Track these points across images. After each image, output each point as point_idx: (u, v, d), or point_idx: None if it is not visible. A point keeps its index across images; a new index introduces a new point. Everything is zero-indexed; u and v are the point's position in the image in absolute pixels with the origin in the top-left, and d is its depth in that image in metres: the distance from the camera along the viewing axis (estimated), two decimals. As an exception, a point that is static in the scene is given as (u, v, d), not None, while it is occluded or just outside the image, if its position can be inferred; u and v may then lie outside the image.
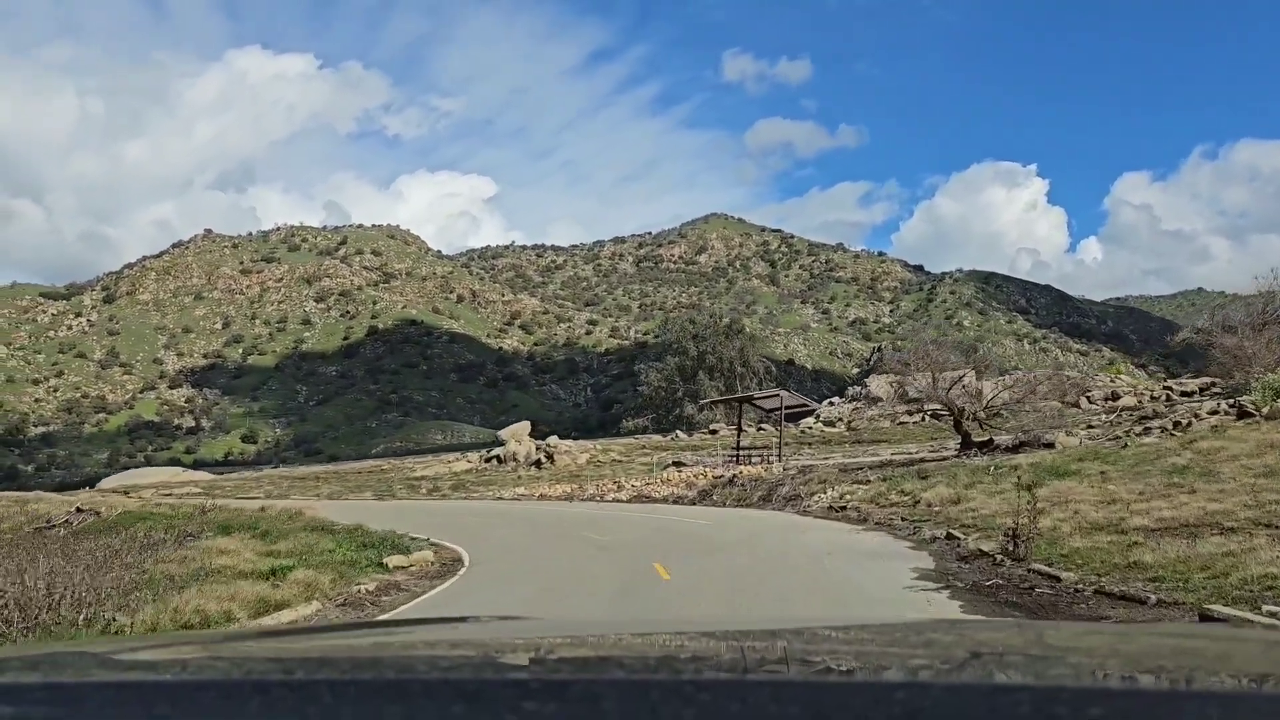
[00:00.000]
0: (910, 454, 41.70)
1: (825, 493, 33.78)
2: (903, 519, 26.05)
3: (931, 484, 30.36)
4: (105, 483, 55.70)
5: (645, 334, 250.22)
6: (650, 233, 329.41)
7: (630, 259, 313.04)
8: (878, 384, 63.71)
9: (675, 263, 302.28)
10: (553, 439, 53.82)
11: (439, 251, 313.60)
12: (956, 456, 36.20)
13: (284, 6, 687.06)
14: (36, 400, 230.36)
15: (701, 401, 58.15)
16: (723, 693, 1.19)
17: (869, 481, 33.92)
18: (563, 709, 1.10)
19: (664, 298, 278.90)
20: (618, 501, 39.65)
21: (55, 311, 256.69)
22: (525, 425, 55.05)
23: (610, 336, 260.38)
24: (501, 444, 54.33)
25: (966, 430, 36.81)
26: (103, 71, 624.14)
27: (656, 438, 61.83)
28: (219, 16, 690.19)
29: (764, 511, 32.62)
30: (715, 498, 38.25)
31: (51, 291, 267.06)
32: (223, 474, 63.00)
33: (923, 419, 53.65)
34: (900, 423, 54.16)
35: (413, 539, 22.43)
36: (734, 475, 40.53)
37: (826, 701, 1.14)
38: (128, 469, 62.61)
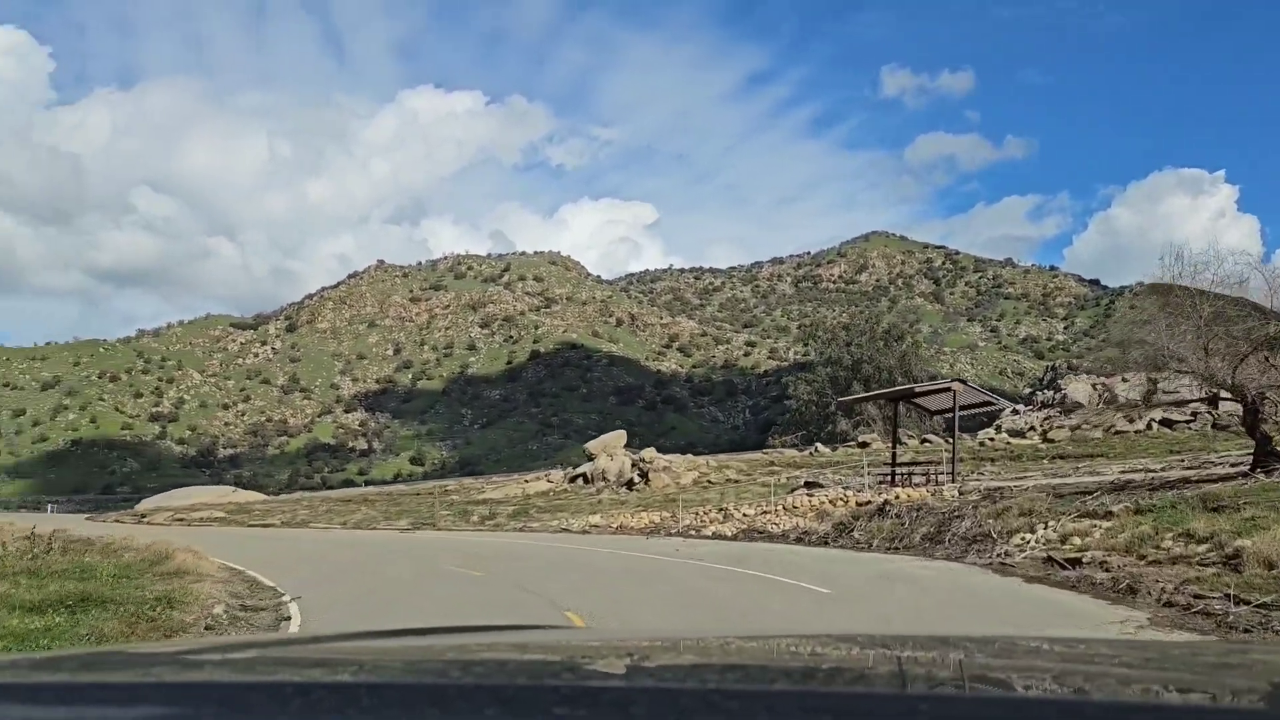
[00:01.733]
0: (1155, 471, 26.48)
1: (1033, 532, 19.63)
2: (1228, 595, 11.60)
3: (1244, 520, 15.66)
4: (149, 502, 46.25)
5: (804, 355, 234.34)
6: (809, 253, 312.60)
7: (789, 279, 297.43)
8: (1076, 388, 47.93)
9: (835, 282, 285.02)
10: (648, 452, 40.22)
11: (598, 276, 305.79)
12: (1249, 474, 21.24)
13: (454, 47, 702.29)
14: (226, 424, 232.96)
15: (843, 399, 43.37)
16: (751, 701, 1.15)
17: (1110, 514, 19.33)
18: (594, 715, 1.08)
19: (823, 318, 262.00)
20: (718, 538, 26.31)
21: (243, 340, 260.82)
22: (619, 436, 42.07)
23: (769, 358, 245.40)
24: (591, 458, 41.44)
25: (1265, 433, 21.53)
26: (289, 115, 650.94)
27: (790, 453, 47.97)
28: (394, 59, 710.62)
29: (932, 562, 18.57)
30: (857, 534, 24.43)
31: (240, 322, 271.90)
32: (276, 496, 52.74)
33: (1149, 426, 37.88)
34: (1117, 432, 38.61)
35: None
36: (886, 501, 26.35)
37: (853, 712, 1.12)
38: (183, 488, 53.70)
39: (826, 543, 24.52)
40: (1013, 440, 42.07)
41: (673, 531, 28.63)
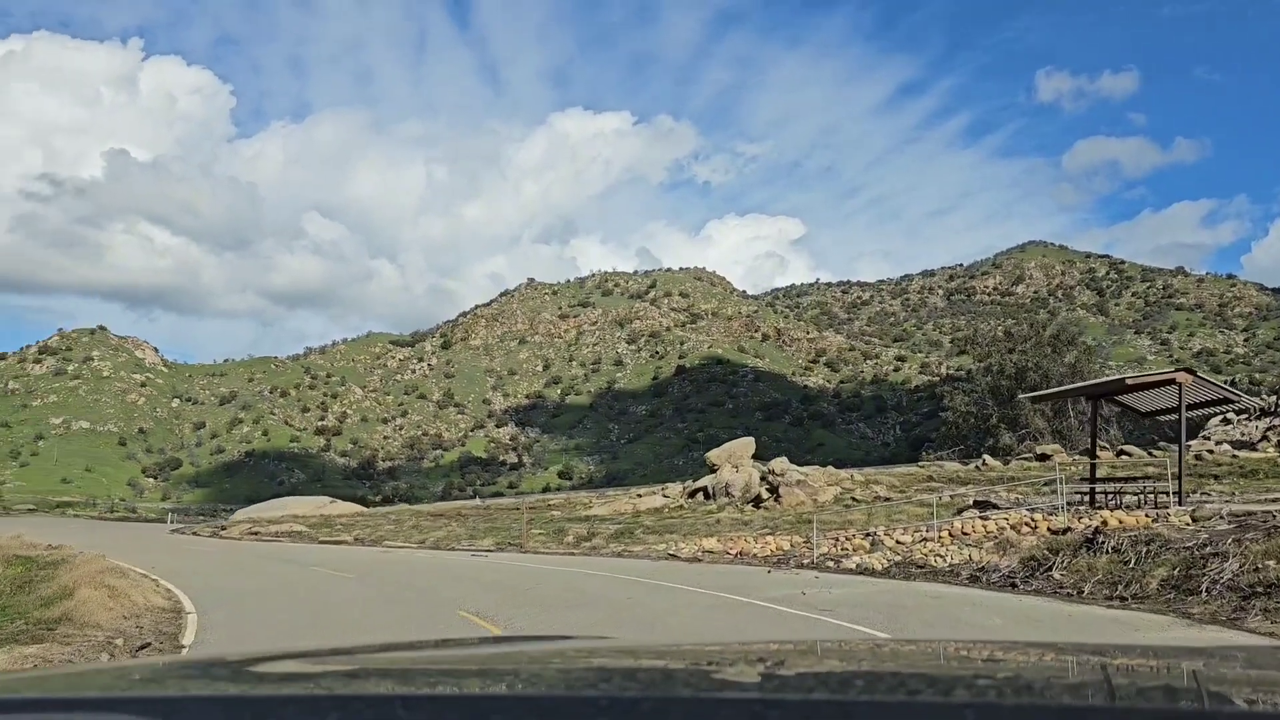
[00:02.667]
0: None
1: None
2: None
3: None
4: (243, 512, 42.20)
5: (958, 367, 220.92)
6: (962, 264, 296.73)
7: (940, 292, 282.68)
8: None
9: (989, 294, 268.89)
10: (779, 462, 32.74)
11: (744, 292, 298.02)
12: None
13: (603, 69, 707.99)
14: (385, 437, 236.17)
15: (1025, 395, 35.12)
16: (791, 711, 1.13)
17: None
18: None
19: (977, 331, 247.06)
20: (863, 573, 19.48)
21: (402, 357, 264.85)
22: (746, 444, 35.03)
23: (920, 373, 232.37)
24: (713, 470, 34.57)
25: None
26: (446, 142, 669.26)
27: (952, 466, 39.96)
28: (545, 85, 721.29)
29: (1201, 631, 10.77)
30: (1058, 574, 17.18)
31: (399, 339, 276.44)
32: (371, 508, 48.13)
33: None
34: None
35: None
36: (1095, 529, 18.64)
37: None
38: (280, 498, 49.83)
39: (1014, 584, 17.27)
40: (1239, 453, 33.10)
41: (805, 561, 21.65)
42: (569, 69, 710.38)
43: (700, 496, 33.43)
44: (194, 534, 34.41)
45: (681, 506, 32.64)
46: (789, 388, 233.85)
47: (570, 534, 27.87)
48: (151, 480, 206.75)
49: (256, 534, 29.36)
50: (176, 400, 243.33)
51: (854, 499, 29.54)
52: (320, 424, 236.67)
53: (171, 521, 55.98)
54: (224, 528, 34.79)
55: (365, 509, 38.89)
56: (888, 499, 29.09)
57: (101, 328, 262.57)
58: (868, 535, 23.06)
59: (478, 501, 40.84)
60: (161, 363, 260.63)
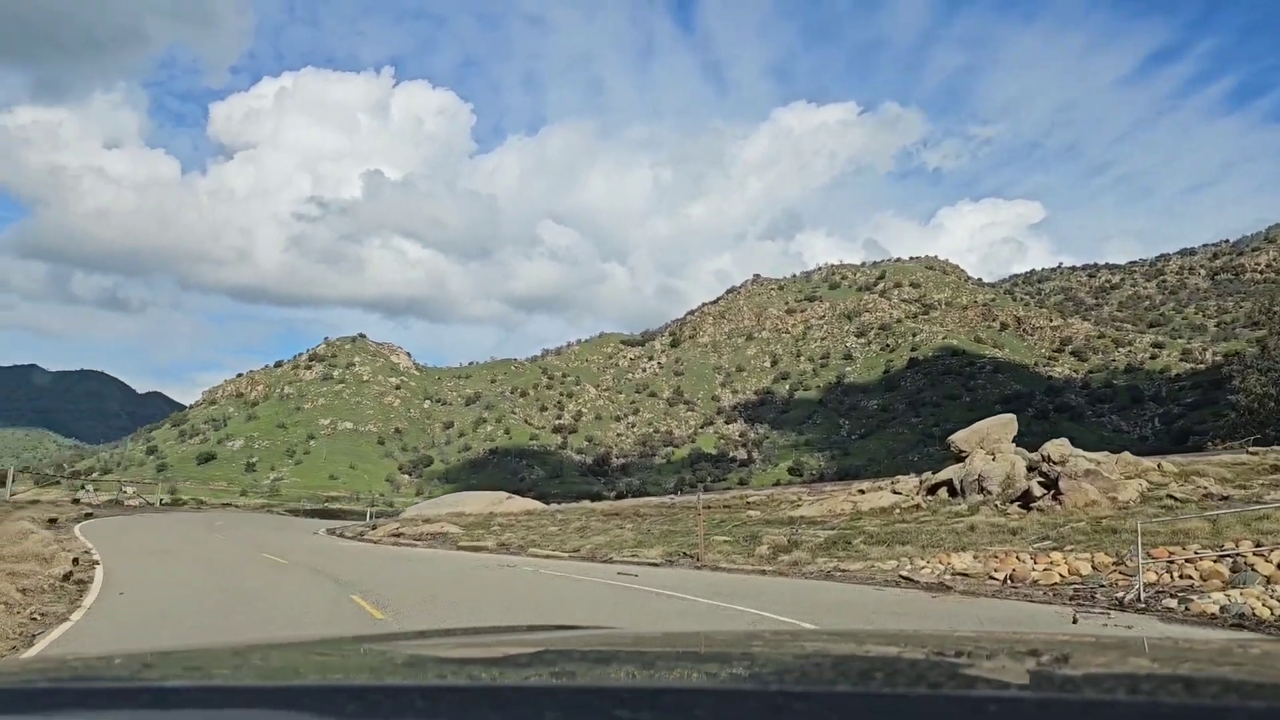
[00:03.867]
0: None
1: None
2: None
3: None
4: (414, 509, 37.72)
5: (1228, 354, 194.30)
6: (1228, 240, 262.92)
7: (1203, 272, 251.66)
8: None
9: (1262, 272, 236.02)
10: (1057, 445, 22.72)
11: (979, 280, 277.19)
12: None
13: (827, 61, 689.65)
14: (618, 435, 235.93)
15: None
16: (815, 702, 1.11)
17: None
18: (656, 717, 1.05)
19: (1247, 313, 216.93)
20: (1241, 626, 10.01)
21: (632, 356, 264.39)
22: (1004, 422, 25.95)
23: (1181, 359, 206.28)
24: (960, 458, 25.67)
25: None
26: (671, 144, 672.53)
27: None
28: (768, 80, 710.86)
29: None
30: None
31: (629, 339, 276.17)
32: (552, 505, 42.01)
33: None
34: None
35: None
36: None
37: (919, 713, 1.07)
38: (458, 493, 44.60)
39: None
40: None
41: (1122, 596, 12.93)
42: (792, 63, 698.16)
43: (943, 493, 24.91)
44: (340, 535, 29.85)
45: (917, 506, 24.25)
46: (1031, 378, 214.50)
47: (765, 542, 20.19)
48: (406, 477, 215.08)
49: (399, 536, 24.09)
50: (428, 401, 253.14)
51: (1172, 498, 20.31)
52: (557, 422, 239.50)
53: (370, 519, 52.70)
54: (374, 527, 29.86)
55: (539, 506, 33.53)
56: (1224, 497, 19.67)
57: (362, 335, 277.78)
58: (1224, 556, 13.96)
59: (667, 499, 33.88)
60: (414, 367, 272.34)
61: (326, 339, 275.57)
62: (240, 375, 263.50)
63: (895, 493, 26.81)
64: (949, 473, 24.93)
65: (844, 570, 17.42)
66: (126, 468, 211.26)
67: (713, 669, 1.57)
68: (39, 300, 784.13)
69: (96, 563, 18.91)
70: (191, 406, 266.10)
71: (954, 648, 1.82)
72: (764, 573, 17.99)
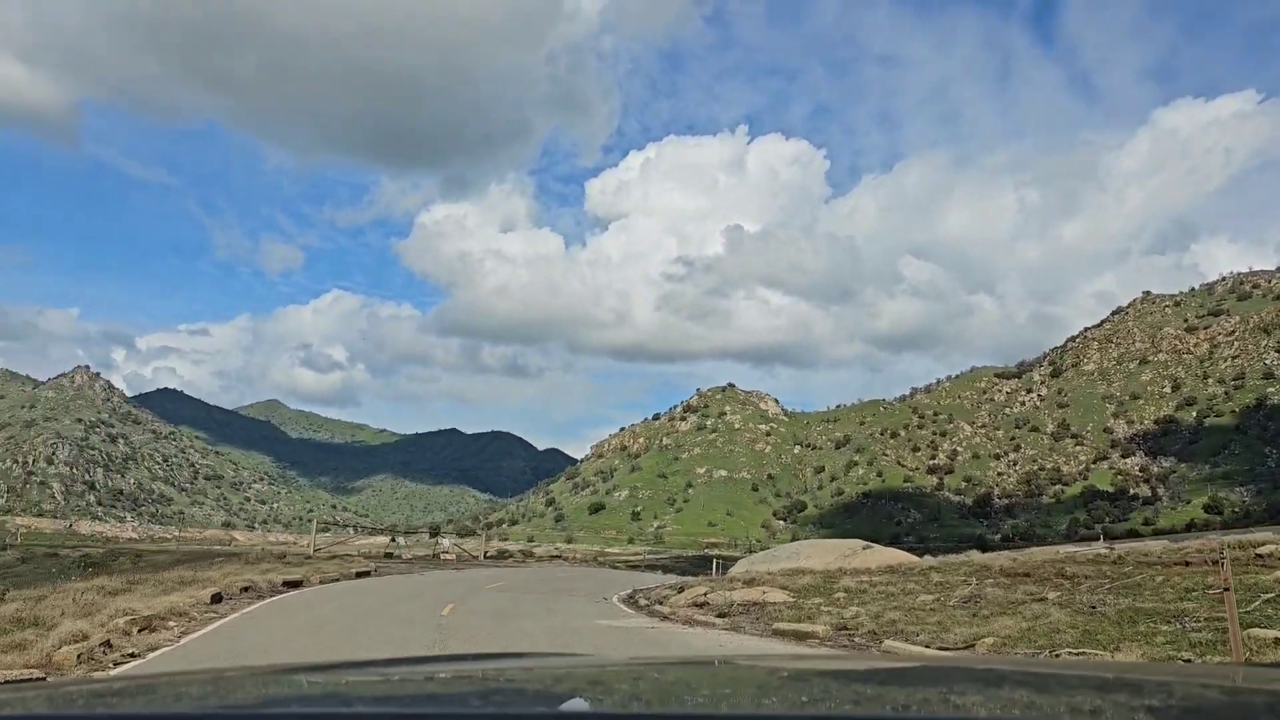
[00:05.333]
0: None
1: None
2: None
3: None
4: (749, 562, 35.69)
5: None
6: None
7: None
8: None
9: None
10: None
11: None
12: None
13: (1215, 49, 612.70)
14: (999, 474, 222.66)
15: None
16: None
17: None
18: None
19: None
20: None
21: (1009, 390, 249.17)
22: None
23: None
24: None
25: None
26: (1035, 164, 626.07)
27: None
28: (1144, 82, 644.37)
29: None
30: None
31: (1004, 371, 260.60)
32: (926, 558, 37.20)
33: None
34: None
35: None
36: None
37: None
38: (799, 541, 37.68)
39: None
40: None
41: None
42: (1172, 59, 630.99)
43: None
44: (637, 602, 25.12)
45: None
46: None
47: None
48: (781, 522, 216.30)
49: (703, 605, 21.67)
50: (798, 447, 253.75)
51: None
52: (931, 463, 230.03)
53: (716, 569, 51.12)
54: (680, 589, 26.63)
55: (907, 560, 28.92)
56: None
57: (731, 385, 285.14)
58: None
59: (1100, 547, 27.11)
60: (782, 413, 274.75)
61: (699, 390, 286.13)
62: (623, 429, 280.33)
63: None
64: None
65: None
66: (530, 519, 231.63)
67: (679, 694, 1.51)
68: (457, 371, 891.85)
69: None
70: (582, 460, 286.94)
71: (933, 678, 1.72)
72: None
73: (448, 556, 55.52)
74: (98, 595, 18.50)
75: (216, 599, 20.19)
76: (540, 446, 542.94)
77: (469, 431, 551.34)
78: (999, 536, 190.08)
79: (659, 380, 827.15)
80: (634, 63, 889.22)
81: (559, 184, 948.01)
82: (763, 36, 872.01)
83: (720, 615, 20.30)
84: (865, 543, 33.31)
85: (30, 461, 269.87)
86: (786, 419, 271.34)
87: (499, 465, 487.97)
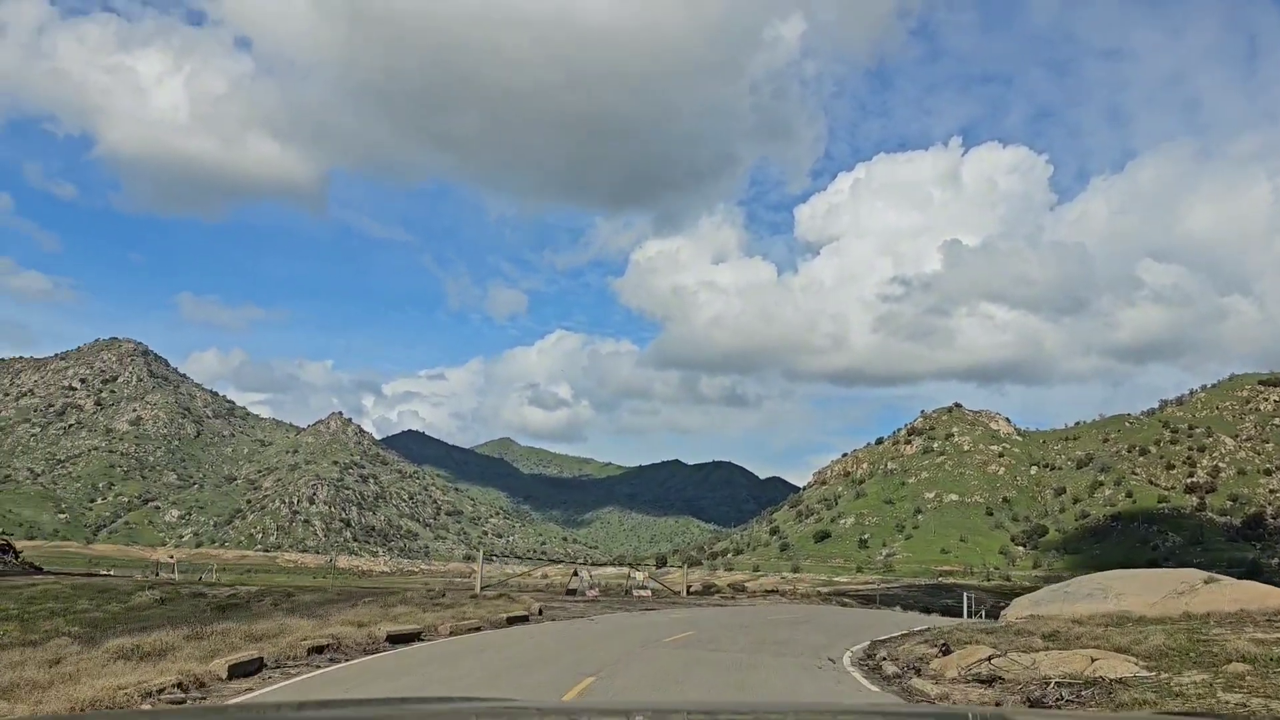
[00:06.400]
0: None
1: None
2: None
3: None
4: (1029, 600, 29.97)
5: None
6: None
7: None
8: None
9: None
10: None
11: None
12: None
13: None
14: (1271, 491, 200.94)
15: None
16: None
17: None
18: None
19: None
20: None
21: (1276, 399, 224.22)
22: None
23: None
24: None
25: None
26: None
27: None
28: None
29: None
30: None
31: (1270, 378, 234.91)
32: None
33: None
34: None
35: None
36: None
37: None
38: (1112, 570, 30.90)
39: None
40: None
41: None
42: None
43: None
44: (885, 667, 18.21)
45: None
46: None
47: None
48: (1020, 548, 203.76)
49: (991, 681, 14.54)
50: (1034, 467, 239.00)
51: None
52: (1189, 480, 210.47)
53: (971, 609, 44.89)
54: (942, 647, 18.00)
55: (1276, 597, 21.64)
56: None
57: (957, 405, 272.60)
58: None
59: None
60: (1014, 432, 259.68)
61: (923, 412, 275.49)
62: (845, 455, 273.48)
63: None
64: None
65: None
66: (754, 548, 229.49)
67: None
68: (676, 403, 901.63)
69: None
70: (805, 488, 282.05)
71: None
72: None
73: (642, 593, 47.09)
74: (110, 659, 14.73)
75: (243, 671, 14.73)
76: (761, 475, 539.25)
77: (691, 462, 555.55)
78: (1276, 560, 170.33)
79: (880, 404, 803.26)
80: (838, 84, 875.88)
81: (768, 212, 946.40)
82: (974, 44, 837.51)
83: (1031, 702, 13.05)
84: (1205, 574, 26.60)
85: (295, 501, 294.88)
86: (1020, 438, 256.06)
87: (721, 495, 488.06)
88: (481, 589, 37.75)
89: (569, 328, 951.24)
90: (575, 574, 43.21)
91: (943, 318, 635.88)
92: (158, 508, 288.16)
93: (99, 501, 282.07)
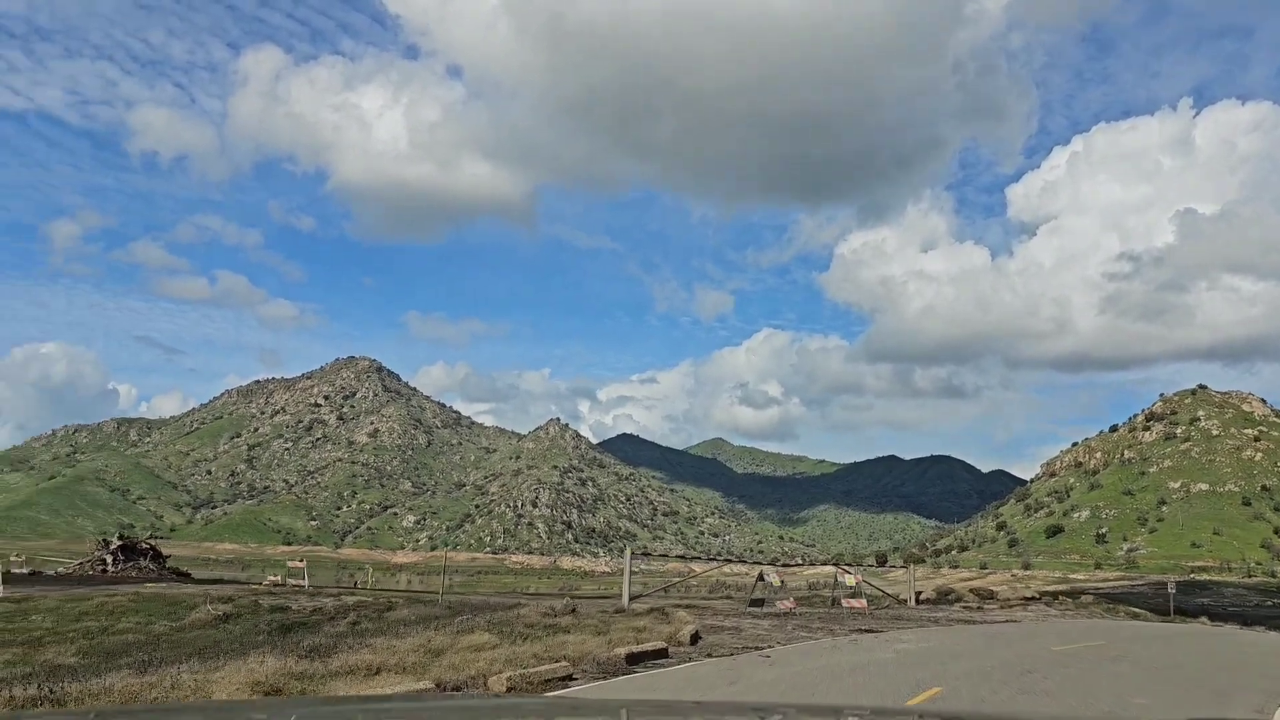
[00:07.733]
0: None
1: None
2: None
3: None
4: None
5: None
6: None
7: None
8: None
9: None
10: None
11: None
12: None
13: None
14: None
15: None
16: None
17: None
18: None
19: None
20: None
21: None
22: None
23: None
24: None
25: None
26: None
27: None
28: None
29: None
30: None
31: None
32: None
33: None
34: None
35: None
36: None
37: None
38: None
39: None
40: None
41: None
42: None
43: None
44: None
45: None
46: None
47: None
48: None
49: None
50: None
51: None
52: None
53: None
54: None
55: None
56: None
57: (1202, 387, 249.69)
58: None
59: None
60: (1272, 414, 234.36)
61: (1162, 396, 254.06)
62: (1075, 445, 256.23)
63: None
64: None
65: None
66: (980, 544, 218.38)
67: None
68: (890, 397, 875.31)
69: None
70: (1032, 480, 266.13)
71: None
72: None
73: (853, 603, 32.66)
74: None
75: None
76: (984, 468, 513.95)
77: (908, 457, 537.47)
78: None
79: (1111, 389, 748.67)
80: (1050, 54, 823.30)
81: (979, 194, 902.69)
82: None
83: None
84: None
85: (519, 505, 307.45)
86: (1279, 420, 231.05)
87: (941, 490, 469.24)
88: (630, 601, 28.34)
89: (776, 325, 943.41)
90: (760, 579, 31.28)
91: (1179, 294, 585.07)
92: (396, 514, 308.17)
93: (344, 509, 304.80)
